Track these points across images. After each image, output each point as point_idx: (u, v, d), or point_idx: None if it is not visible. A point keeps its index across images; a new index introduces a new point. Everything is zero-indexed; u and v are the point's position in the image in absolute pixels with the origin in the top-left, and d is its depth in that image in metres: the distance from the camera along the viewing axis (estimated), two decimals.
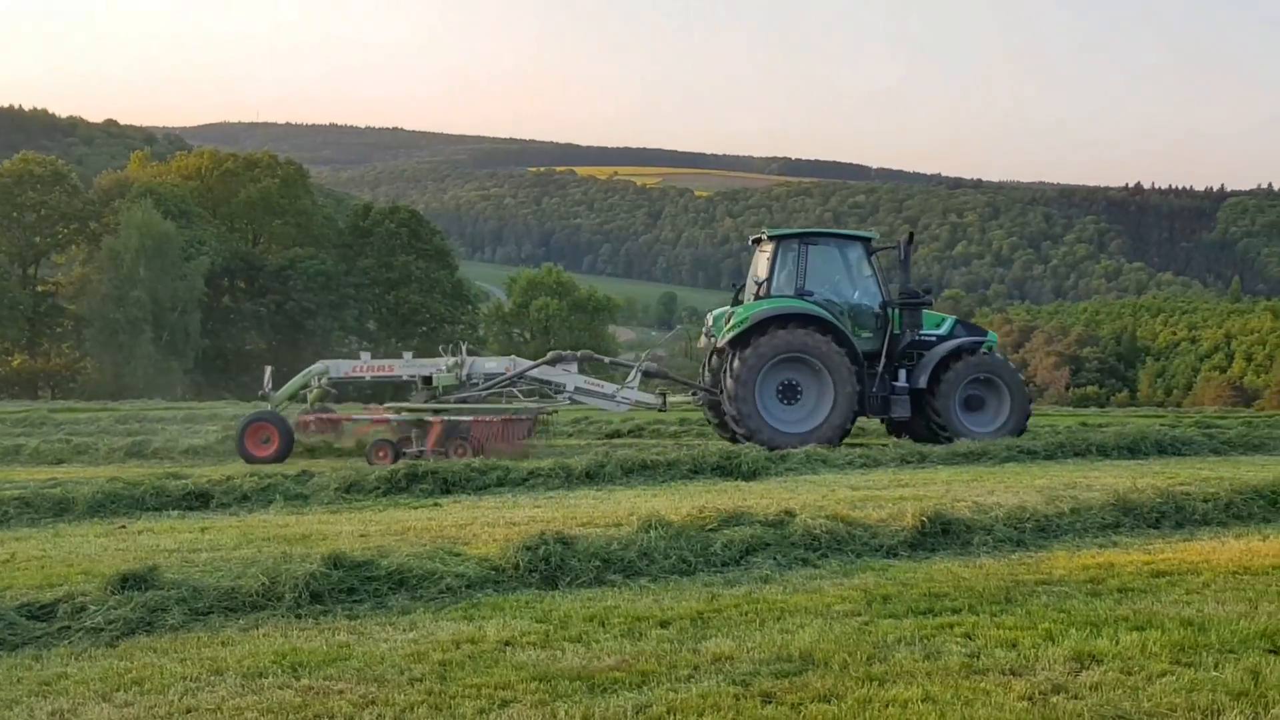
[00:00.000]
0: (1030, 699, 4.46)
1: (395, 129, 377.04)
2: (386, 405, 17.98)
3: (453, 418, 16.54)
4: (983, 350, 18.14)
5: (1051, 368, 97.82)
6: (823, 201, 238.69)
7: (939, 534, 8.07)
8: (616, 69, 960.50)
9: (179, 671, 5.04)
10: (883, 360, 17.60)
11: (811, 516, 8.15)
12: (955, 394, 17.44)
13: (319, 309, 55.11)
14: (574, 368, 18.45)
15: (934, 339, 18.12)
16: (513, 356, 19.38)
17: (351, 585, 6.45)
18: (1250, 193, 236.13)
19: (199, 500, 10.83)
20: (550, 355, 18.85)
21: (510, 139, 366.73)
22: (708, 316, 19.30)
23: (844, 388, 16.98)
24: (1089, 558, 7.51)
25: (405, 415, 17.06)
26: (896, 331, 17.88)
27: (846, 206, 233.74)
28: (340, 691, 4.71)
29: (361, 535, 8.52)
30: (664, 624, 5.76)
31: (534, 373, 18.07)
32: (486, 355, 23.49)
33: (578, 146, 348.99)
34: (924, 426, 17.47)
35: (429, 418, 16.64)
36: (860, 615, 5.90)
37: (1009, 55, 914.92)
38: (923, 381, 17.43)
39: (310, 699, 4.63)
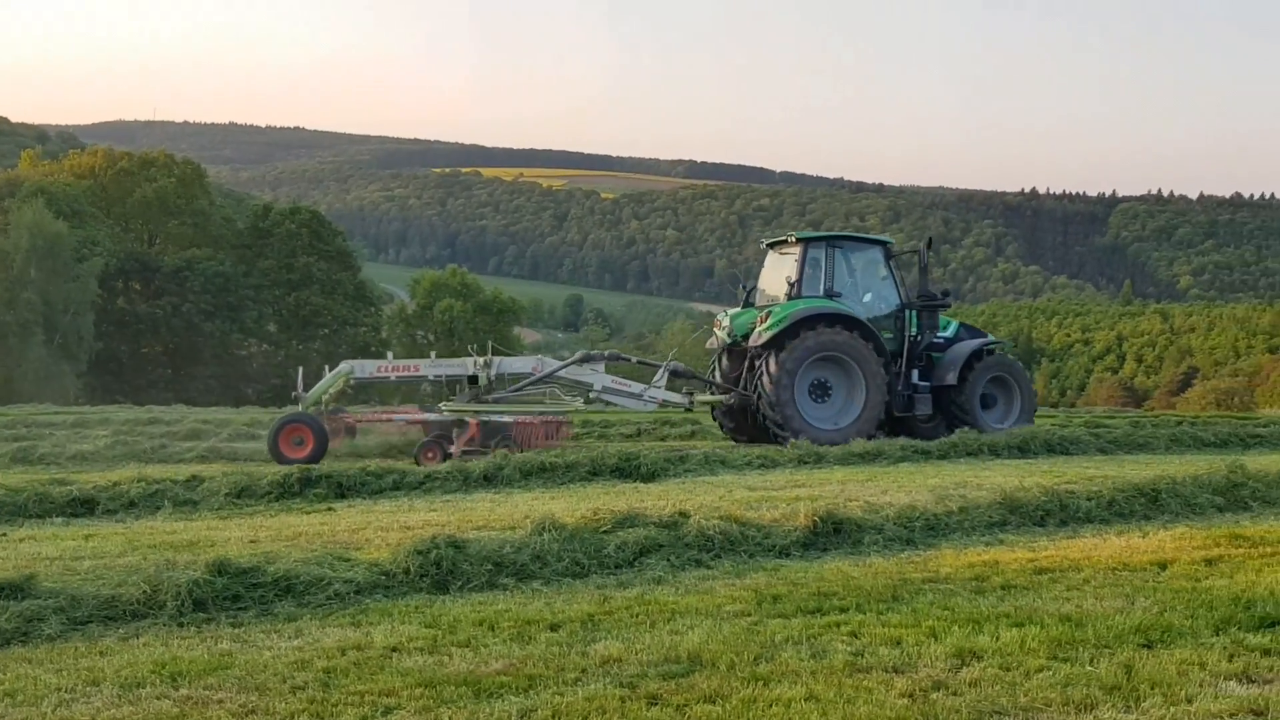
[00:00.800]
0: (911, 696, 4.52)
1: (297, 128, 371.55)
2: (441, 404, 17.89)
3: (492, 419, 16.53)
4: (998, 351, 19.31)
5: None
6: (728, 204, 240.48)
7: (831, 533, 8.17)
8: (522, 71, 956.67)
9: (54, 682, 4.89)
10: (904, 360, 18.48)
11: (706, 518, 8.18)
12: (978, 391, 18.40)
13: (217, 311, 54.08)
14: (601, 367, 18.67)
15: (943, 340, 19.08)
16: (540, 356, 19.52)
17: (236, 592, 6.33)
18: (1140, 198, 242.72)
19: (84, 507, 10.53)
20: (579, 354, 19.18)
21: (415, 139, 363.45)
22: (721, 317, 19.59)
23: (876, 386, 17.73)
24: (975, 555, 7.66)
25: (447, 415, 16.96)
26: (913, 333, 18.75)
27: (751, 210, 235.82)
28: (220, 701, 4.61)
29: (251, 541, 8.37)
30: (554, 627, 5.74)
31: (562, 372, 18.20)
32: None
33: (483, 148, 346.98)
34: (923, 424, 18.44)
35: (469, 418, 16.53)
36: (750, 615, 5.94)
37: (909, 62, 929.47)
38: (952, 379, 18.27)
39: (189, 709, 4.53)
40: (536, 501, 10.56)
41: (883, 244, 19.58)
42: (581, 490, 11.55)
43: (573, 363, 18.51)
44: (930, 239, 20.65)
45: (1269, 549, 7.73)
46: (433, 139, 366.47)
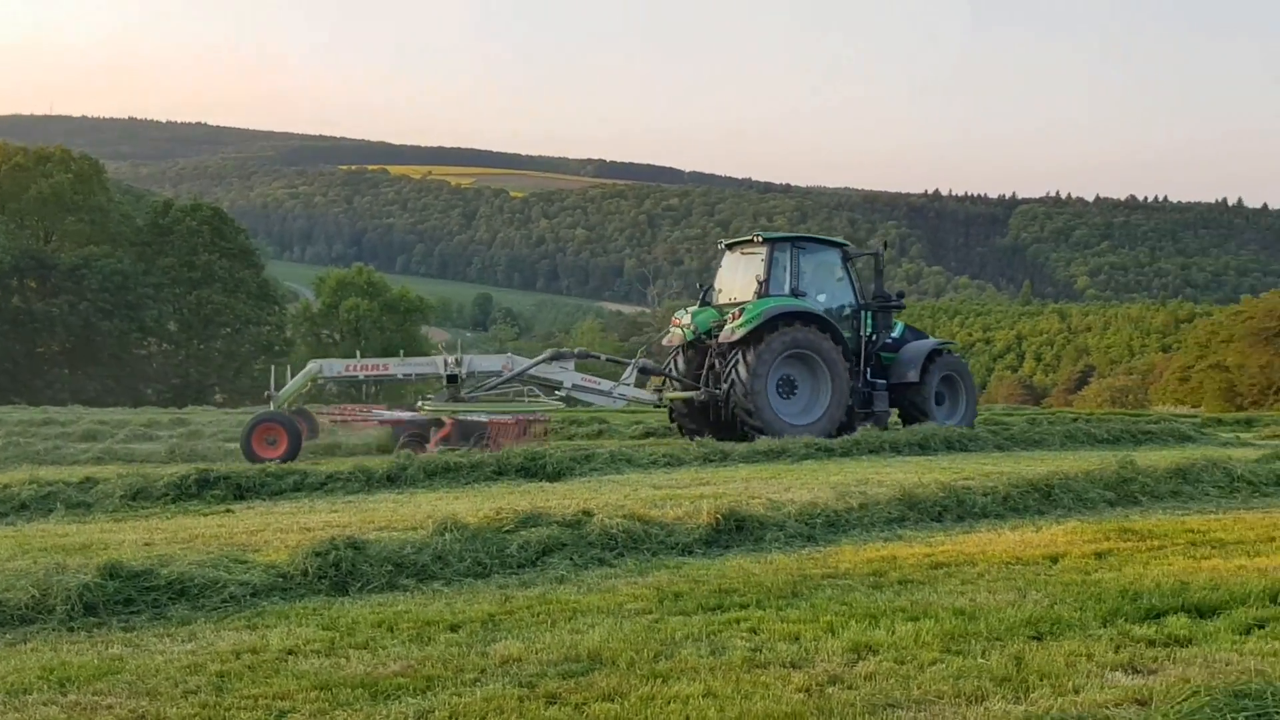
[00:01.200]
0: (807, 691, 4.57)
1: (199, 123, 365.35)
2: (419, 402, 18.43)
3: (468, 418, 16.49)
4: (948, 351, 20.28)
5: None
6: (637, 204, 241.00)
7: (734, 531, 8.23)
8: (431, 67, 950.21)
9: None
10: (861, 359, 19.19)
11: (609, 516, 8.20)
12: (934, 388, 19.34)
13: (115, 310, 52.80)
14: (571, 365, 18.86)
15: (891, 341, 19.88)
16: (509, 354, 19.47)
17: (129, 596, 6.19)
18: (1039, 200, 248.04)
19: None
20: (548, 353, 19.38)
21: (320, 136, 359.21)
22: (680, 315, 19.96)
23: (840, 383, 18.37)
24: (874, 551, 7.77)
25: (425, 415, 17.23)
26: (868, 332, 19.49)
27: (661, 209, 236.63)
28: (109, 706, 4.51)
29: (146, 544, 8.19)
30: (454, 628, 5.71)
31: (532, 371, 18.26)
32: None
33: (390, 145, 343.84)
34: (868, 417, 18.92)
35: (445, 418, 16.55)
36: (651, 613, 5.96)
37: (814, 65, 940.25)
38: (913, 376, 19.19)
39: (77, 715, 4.42)
40: (440, 501, 10.49)
41: (841, 246, 20.25)
42: (486, 490, 11.49)
43: (542, 360, 18.55)
44: (886, 243, 21.50)
45: (1156, 542, 7.95)
46: (339, 135, 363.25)
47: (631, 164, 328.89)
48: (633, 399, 18.94)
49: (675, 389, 19.26)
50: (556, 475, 12.51)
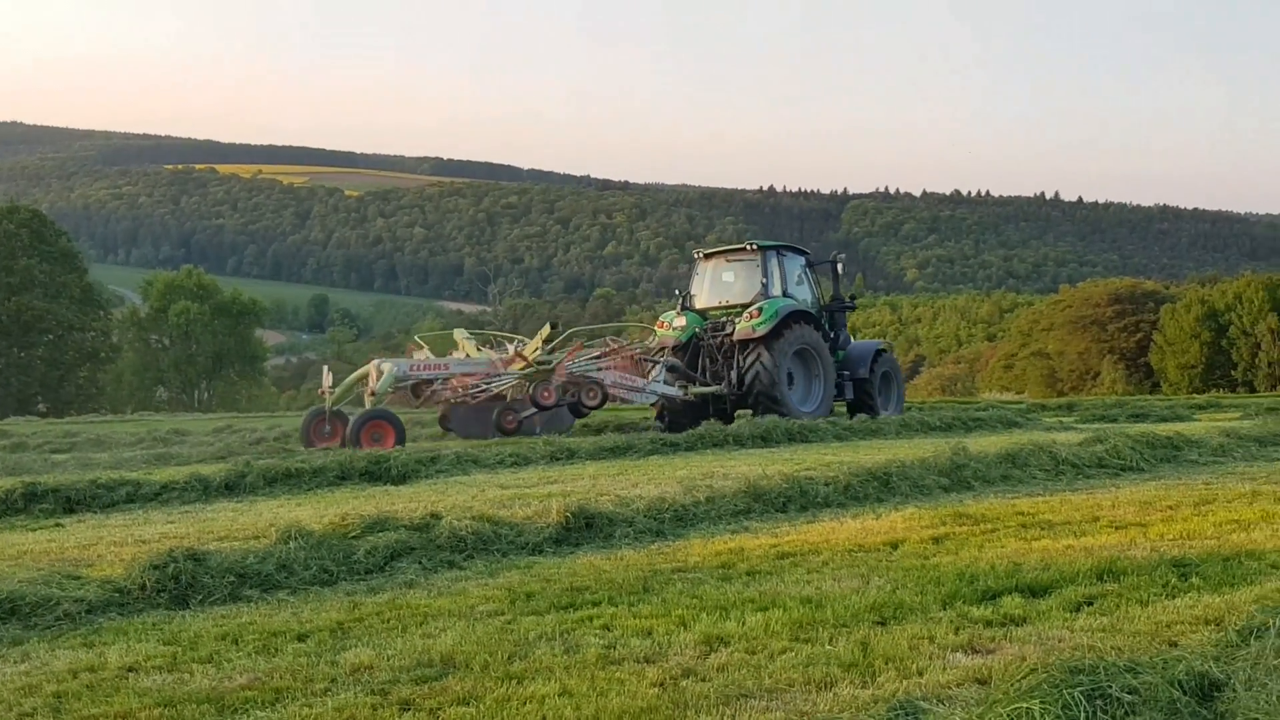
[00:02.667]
0: (662, 685, 4.61)
1: (14, 123, 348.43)
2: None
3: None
4: (885, 351, 23.02)
5: None
6: (476, 202, 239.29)
7: (583, 528, 8.24)
8: (259, 63, 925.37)
9: None
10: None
11: (458, 518, 8.14)
12: (878, 382, 22.02)
13: None
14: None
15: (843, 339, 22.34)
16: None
17: None
18: (870, 195, 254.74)
19: None
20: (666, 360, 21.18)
21: (144, 134, 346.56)
22: (667, 318, 21.84)
23: (830, 374, 20.96)
24: (722, 544, 7.87)
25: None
26: (828, 331, 21.83)
27: (500, 207, 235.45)
28: None
29: None
30: (301, 637, 5.59)
31: (574, 369, 19.51)
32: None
33: (218, 143, 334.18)
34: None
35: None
36: (504, 614, 5.94)
37: (650, 62, 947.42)
38: (864, 372, 21.79)
39: None
40: (282, 509, 10.25)
41: (804, 254, 22.66)
42: (329, 495, 11.30)
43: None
44: (842, 253, 23.59)
45: (989, 526, 8.24)
46: (163, 134, 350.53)
47: (469, 162, 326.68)
48: (662, 395, 20.47)
49: (700, 386, 20.96)
50: (402, 478, 12.37)
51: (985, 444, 13.36)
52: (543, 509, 8.71)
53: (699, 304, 21.54)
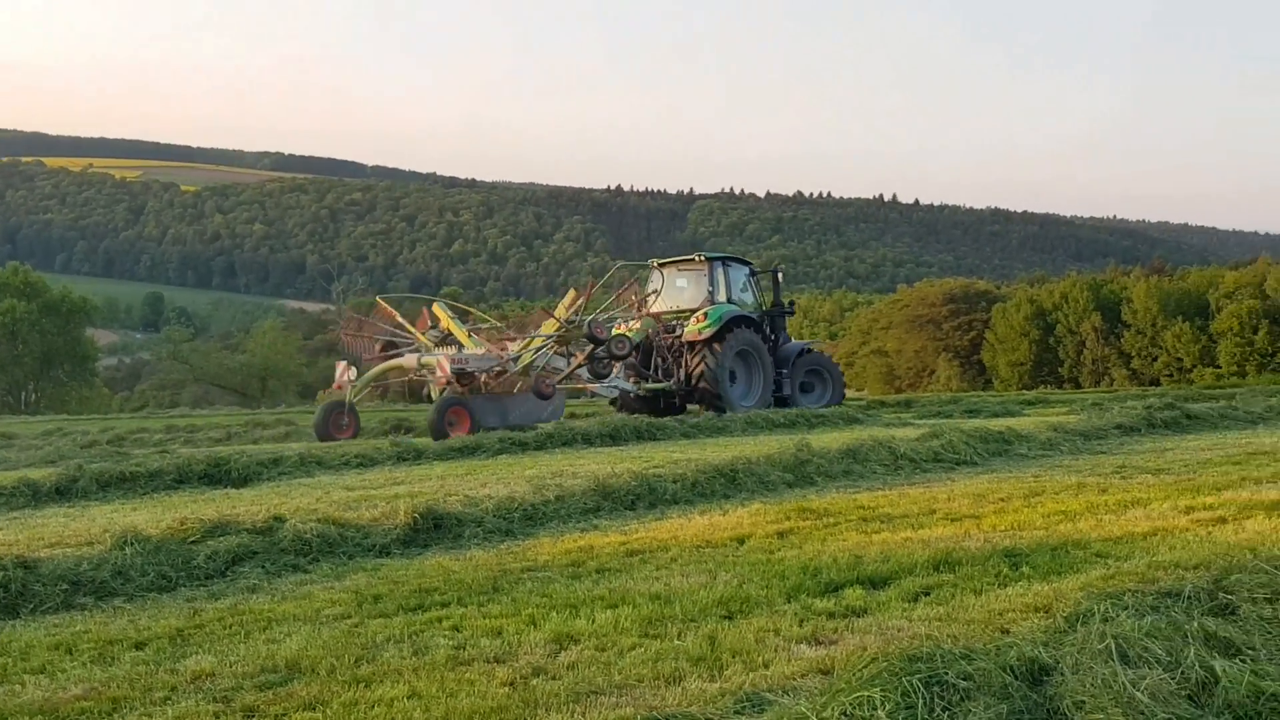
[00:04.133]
0: (512, 684, 4.61)
1: None
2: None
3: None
4: (808, 351, 25.30)
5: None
6: (318, 198, 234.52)
7: (431, 529, 8.17)
8: (90, 51, 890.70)
9: None
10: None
11: (303, 520, 7.99)
12: (799, 380, 24.36)
13: None
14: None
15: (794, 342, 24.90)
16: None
17: None
18: (715, 196, 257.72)
19: None
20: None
21: None
22: (625, 324, 23.30)
23: (768, 373, 23.28)
24: (572, 542, 7.90)
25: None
26: (769, 334, 24.15)
27: (344, 204, 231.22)
28: None
29: None
30: (139, 645, 5.42)
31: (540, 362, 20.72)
32: None
33: (46, 135, 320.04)
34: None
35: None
36: (350, 617, 5.86)
37: (496, 57, 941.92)
38: (786, 371, 24.04)
39: None
40: (117, 514, 9.91)
41: (748, 264, 25.27)
42: (167, 499, 10.96)
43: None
44: (782, 266, 26.92)
45: (832, 520, 8.44)
46: None
47: (312, 157, 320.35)
48: (621, 390, 22.73)
49: (654, 383, 23.23)
50: (243, 481, 12.09)
51: (828, 440, 13.65)
52: (390, 510, 8.60)
53: (656, 308, 23.44)
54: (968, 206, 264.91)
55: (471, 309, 25.00)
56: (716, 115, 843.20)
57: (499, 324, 24.03)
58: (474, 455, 14.16)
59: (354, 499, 10.01)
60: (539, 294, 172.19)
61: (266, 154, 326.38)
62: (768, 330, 24.23)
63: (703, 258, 24.16)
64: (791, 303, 26.41)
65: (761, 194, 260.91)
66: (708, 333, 22.47)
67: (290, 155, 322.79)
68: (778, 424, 18.36)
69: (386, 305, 23.28)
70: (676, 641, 5.14)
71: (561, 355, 20.98)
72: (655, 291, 23.26)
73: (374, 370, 21.22)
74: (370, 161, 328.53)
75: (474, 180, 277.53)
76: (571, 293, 21.91)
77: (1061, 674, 3.87)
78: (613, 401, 24.14)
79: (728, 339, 22.49)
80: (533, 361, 20.03)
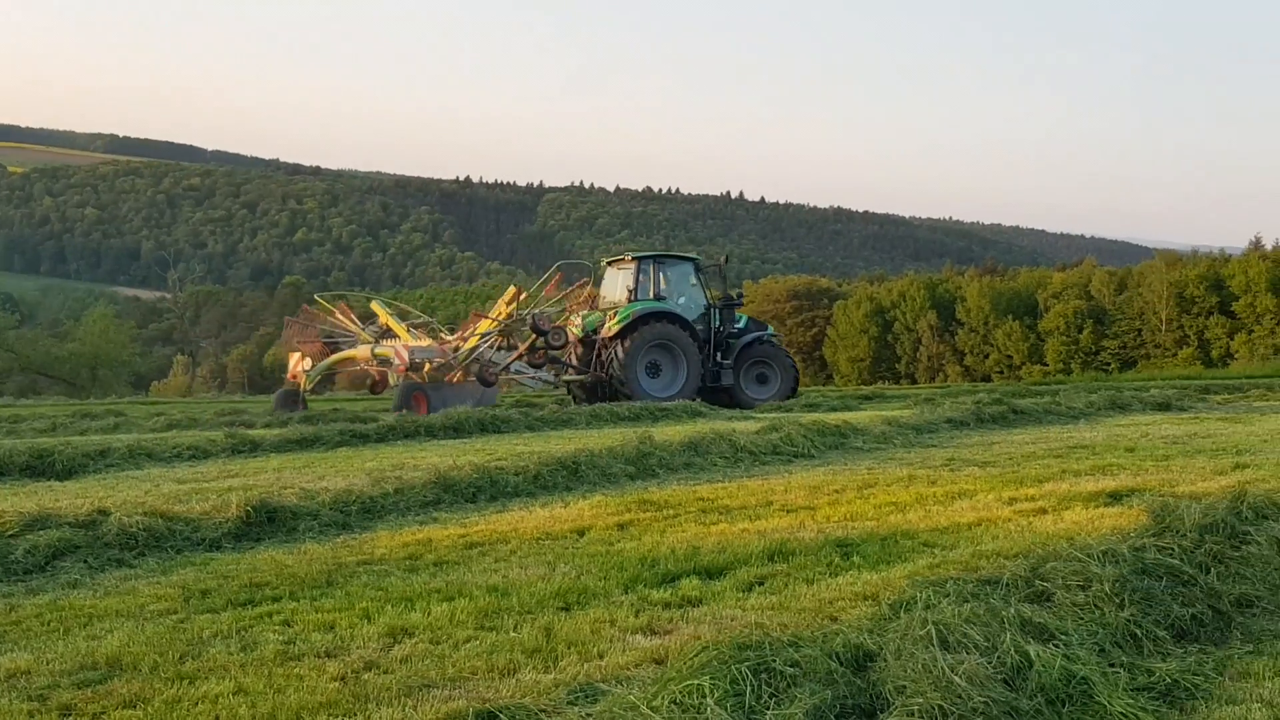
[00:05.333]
0: (343, 679, 4.54)
1: None
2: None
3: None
4: (764, 340, 25.97)
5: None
6: (154, 183, 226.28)
7: (265, 522, 7.99)
8: None
9: None
10: (711, 346, 25.01)
11: (129, 514, 7.71)
12: (742, 369, 25.24)
13: None
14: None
15: (737, 330, 25.54)
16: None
17: None
18: (565, 189, 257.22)
19: None
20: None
21: None
22: (574, 318, 25.50)
23: (693, 365, 24.31)
24: (410, 535, 7.81)
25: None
26: (717, 325, 25.26)
27: (181, 189, 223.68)
28: None
29: None
30: None
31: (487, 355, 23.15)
32: None
33: None
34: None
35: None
36: (176, 613, 5.70)
37: (344, 45, 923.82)
38: (729, 362, 25.09)
39: None
40: None
41: (693, 260, 26.38)
42: None
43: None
44: (726, 256, 27.24)
45: (672, 511, 8.52)
46: None
47: (148, 140, 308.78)
48: (544, 382, 25.17)
49: (572, 374, 24.96)
50: (68, 473, 11.63)
51: (670, 433, 13.77)
52: (221, 503, 8.39)
53: (603, 305, 25.33)
54: (811, 205, 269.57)
55: (410, 308, 28.29)
56: (567, 108, 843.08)
57: (433, 320, 26.50)
58: (312, 448, 13.89)
59: (184, 492, 9.72)
60: (385, 285, 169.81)
61: (100, 135, 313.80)
62: (713, 323, 25.24)
63: (630, 257, 25.86)
64: (740, 293, 27.45)
65: (611, 188, 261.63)
66: (615, 329, 23.97)
67: (125, 138, 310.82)
68: (622, 417, 18.42)
69: (325, 304, 26.19)
70: (512, 633, 5.13)
71: (503, 348, 23.50)
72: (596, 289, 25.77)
73: (326, 361, 23.79)
74: (210, 146, 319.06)
75: (318, 168, 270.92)
76: (511, 289, 24.55)
77: (885, 659, 3.99)
78: (570, 392, 25.57)
79: (639, 334, 23.80)
80: (478, 352, 22.81)
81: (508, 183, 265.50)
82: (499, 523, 8.25)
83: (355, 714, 4.14)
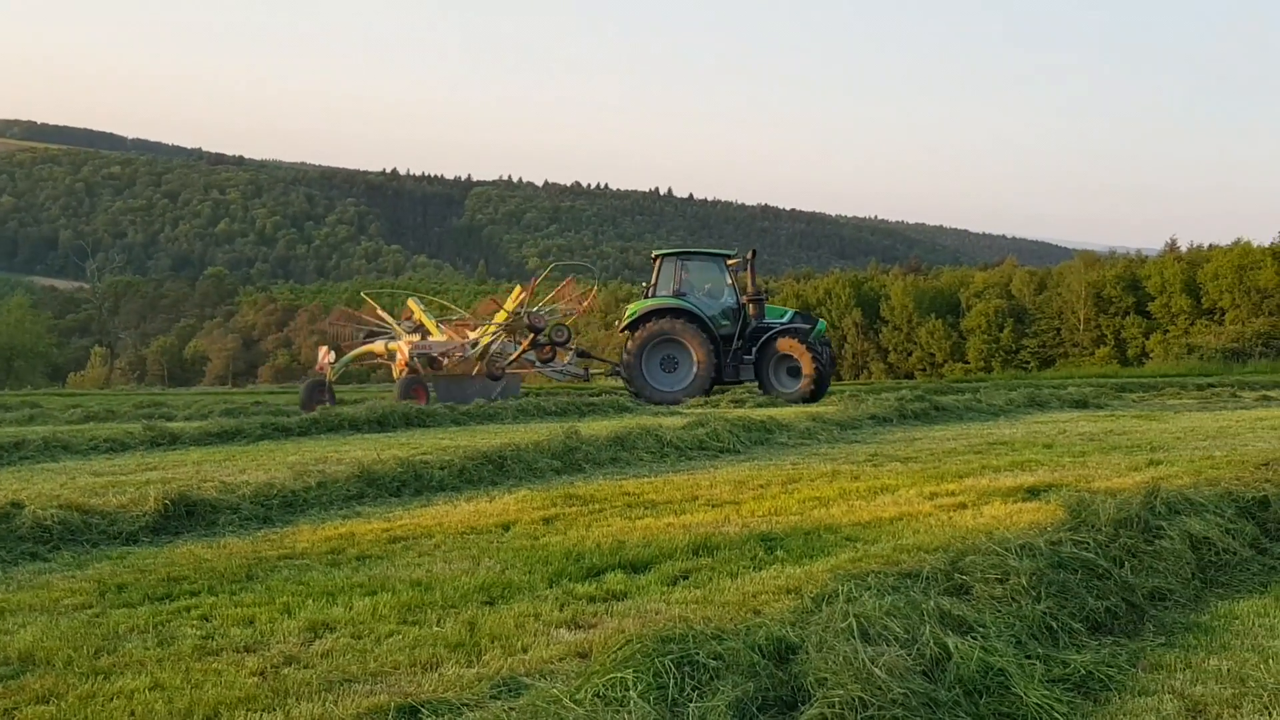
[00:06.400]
0: (262, 674, 4.48)
1: None
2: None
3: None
4: (787, 334, 24.84)
5: (315, 345, 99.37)
6: (73, 171, 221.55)
7: (184, 516, 7.88)
8: None
9: None
10: (735, 341, 24.94)
11: (43, 507, 7.57)
12: (773, 364, 24.73)
13: None
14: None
15: (778, 325, 25.07)
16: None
17: None
18: (493, 183, 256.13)
19: None
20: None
21: None
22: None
23: (700, 360, 24.44)
24: (332, 529, 7.74)
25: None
26: (748, 321, 25.20)
27: (101, 177, 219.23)
28: None
29: None
30: None
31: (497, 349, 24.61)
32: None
33: None
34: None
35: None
36: (92, 607, 5.59)
37: (263, 32, 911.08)
38: (749, 356, 24.88)
39: None
40: None
41: (724, 256, 26.55)
42: None
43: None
44: (755, 250, 26.89)
45: (598, 506, 8.53)
46: None
47: (66, 127, 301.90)
48: (572, 375, 26.30)
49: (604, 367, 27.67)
50: None
51: (597, 428, 13.77)
52: (139, 496, 8.24)
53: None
54: (739, 202, 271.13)
55: (451, 304, 30.95)
56: (495, 102, 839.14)
57: (469, 317, 27.68)
58: (234, 441, 13.72)
59: (101, 485, 9.55)
60: (309, 278, 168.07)
61: (16, 122, 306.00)
62: (740, 316, 25.24)
63: (653, 255, 26.71)
64: (768, 291, 28.70)
65: (540, 183, 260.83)
66: (624, 325, 25.42)
67: (43, 125, 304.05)
68: (549, 411, 18.41)
69: (371, 301, 28.43)
70: (435, 628, 5.10)
71: (511, 343, 24.78)
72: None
73: (350, 354, 25.39)
74: (130, 134, 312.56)
75: (242, 158, 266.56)
76: (517, 288, 25.88)
77: (807, 652, 4.02)
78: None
79: (643, 330, 24.68)
80: (488, 347, 24.22)
81: (435, 175, 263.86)
82: (423, 517, 8.20)
83: (274, 709, 4.09)
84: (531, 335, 24.21)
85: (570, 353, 25.91)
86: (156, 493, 8.10)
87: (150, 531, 7.57)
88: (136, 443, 13.19)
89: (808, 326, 25.30)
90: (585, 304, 27.16)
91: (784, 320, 25.42)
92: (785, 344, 24.49)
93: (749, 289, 25.95)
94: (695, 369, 24.54)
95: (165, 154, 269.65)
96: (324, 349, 25.15)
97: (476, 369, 24.24)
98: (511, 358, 24.57)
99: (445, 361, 23.91)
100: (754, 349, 24.85)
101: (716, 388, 25.23)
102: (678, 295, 25.30)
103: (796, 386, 24.22)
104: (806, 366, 24.17)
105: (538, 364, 25.36)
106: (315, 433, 14.64)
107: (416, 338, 25.10)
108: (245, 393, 40.04)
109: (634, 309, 25.40)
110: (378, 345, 25.44)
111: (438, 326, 25.68)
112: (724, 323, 25.20)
